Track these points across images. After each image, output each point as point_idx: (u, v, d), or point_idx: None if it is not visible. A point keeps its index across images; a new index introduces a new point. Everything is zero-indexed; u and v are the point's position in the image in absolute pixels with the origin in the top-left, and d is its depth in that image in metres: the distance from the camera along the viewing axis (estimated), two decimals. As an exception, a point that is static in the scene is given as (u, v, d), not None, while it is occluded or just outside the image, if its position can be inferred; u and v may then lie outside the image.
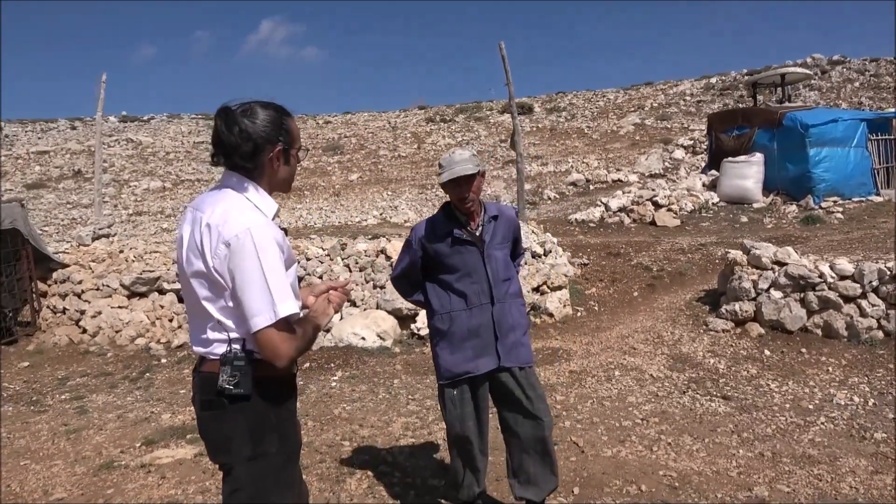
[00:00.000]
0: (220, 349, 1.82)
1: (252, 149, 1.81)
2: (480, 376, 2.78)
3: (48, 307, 7.85)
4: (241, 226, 1.73)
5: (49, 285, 8.02)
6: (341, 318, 6.93)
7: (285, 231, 2.03)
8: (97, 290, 7.78)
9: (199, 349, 1.88)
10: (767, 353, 5.72)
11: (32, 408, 5.45)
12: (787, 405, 4.61)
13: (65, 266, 8.10)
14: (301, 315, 1.87)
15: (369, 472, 3.77)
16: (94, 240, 9.09)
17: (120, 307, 7.60)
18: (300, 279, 7.37)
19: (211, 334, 1.83)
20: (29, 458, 4.32)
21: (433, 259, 2.81)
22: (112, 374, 6.29)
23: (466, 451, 2.83)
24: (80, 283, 7.84)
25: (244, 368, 1.78)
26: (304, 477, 2.26)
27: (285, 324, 1.74)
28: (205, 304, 1.81)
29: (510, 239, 2.92)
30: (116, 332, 7.35)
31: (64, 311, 7.72)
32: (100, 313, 7.53)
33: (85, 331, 7.46)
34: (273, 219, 1.86)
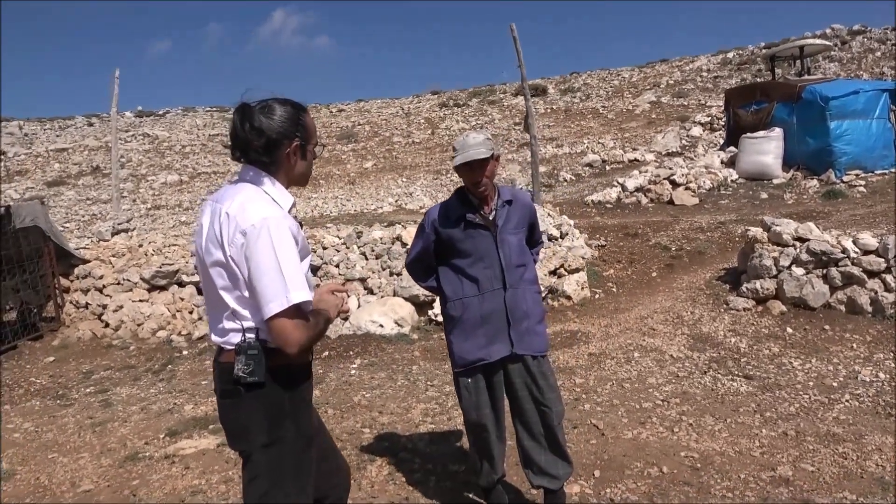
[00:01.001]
0: (236, 339, 1.87)
1: (267, 144, 1.88)
2: (495, 363, 2.75)
3: (71, 302, 7.97)
4: (258, 216, 1.79)
5: (71, 281, 8.13)
6: (359, 306, 6.95)
7: (300, 223, 2.06)
8: (118, 284, 7.87)
9: (217, 339, 1.94)
10: (790, 330, 5.64)
11: (59, 402, 5.55)
12: (811, 383, 4.55)
13: (86, 262, 8.20)
14: (312, 308, 1.93)
15: (390, 459, 3.78)
16: (113, 235, 9.19)
17: (141, 301, 7.69)
18: (317, 268, 7.42)
19: (227, 324, 1.89)
20: (56, 451, 4.40)
21: (446, 244, 2.79)
22: (135, 367, 6.38)
23: (483, 438, 2.82)
24: (101, 278, 7.94)
25: (258, 357, 1.83)
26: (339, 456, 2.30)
27: (298, 311, 1.79)
28: (222, 293, 1.87)
29: (525, 224, 2.87)
30: (138, 325, 7.44)
31: (86, 306, 7.83)
32: (121, 307, 7.63)
33: (107, 325, 7.56)
34: (289, 211, 1.92)
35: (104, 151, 26.59)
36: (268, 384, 1.86)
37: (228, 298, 1.86)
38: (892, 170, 11.75)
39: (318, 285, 2.15)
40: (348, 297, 2.25)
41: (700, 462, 3.49)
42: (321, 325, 1.90)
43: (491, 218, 2.77)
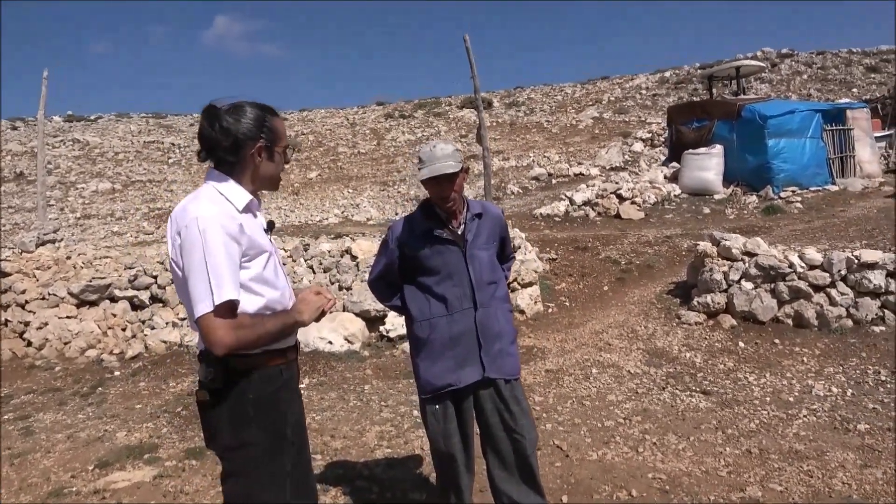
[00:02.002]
0: (201, 345, 1.89)
1: (233, 144, 1.90)
2: (464, 389, 2.55)
3: (-11, 319, 7.35)
4: (192, 215, 1.80)
5: (-10, 296, 7.51)
6: (306, 322, 6.65)
7: (272, 224, 2.13)
8: (43, 299, 7.32)
9: (197, 343, 1.98)
10: (742, 344, 5.68)
11: (-28, 430, 5.04)
12: (768, 398, 4.55)
13: (6, 275, 7.59)
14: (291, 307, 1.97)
15: (345, 489, 3.54)
16: (38, 246, 8.56)
17: (68, 317, 7.16)
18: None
19: (194, 329, 1.88)
20: (-33, 488, 3.95)
21: (411, 260, 2.58)
22: (61, 390, 5.89)
23: (451, 469, 2.61)
24: (23, 292, 7.36)
25: (216, 364, 1.83)
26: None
27: (227, 311, 1.77)
28: (179, 296, 1.90)
29: (496, 239, 2.70)
30: (65, 343, 6.92)
31: (6, 323, 7.23)
32: (46, 324, 7.08)
33: (30, 343, 7.00)
34: (243, 210, 1.90)
35: (29, 157, 25.22)
36: (229, 389, 1.87)
37: (183, 299, 1.86)
38: (826, 186, 12.24)
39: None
40: (334, 300, 2.10)
41: (668, 484, 3.39)
42: (270, 328, 1.86)
43: (460, 232, 2.58)
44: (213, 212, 1.81)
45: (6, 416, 5.30)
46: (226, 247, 1.78)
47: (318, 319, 2.03)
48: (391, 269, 2.63)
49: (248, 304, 1.85)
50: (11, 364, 6.77)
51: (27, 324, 7.16)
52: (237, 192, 1.92)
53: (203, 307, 1.74)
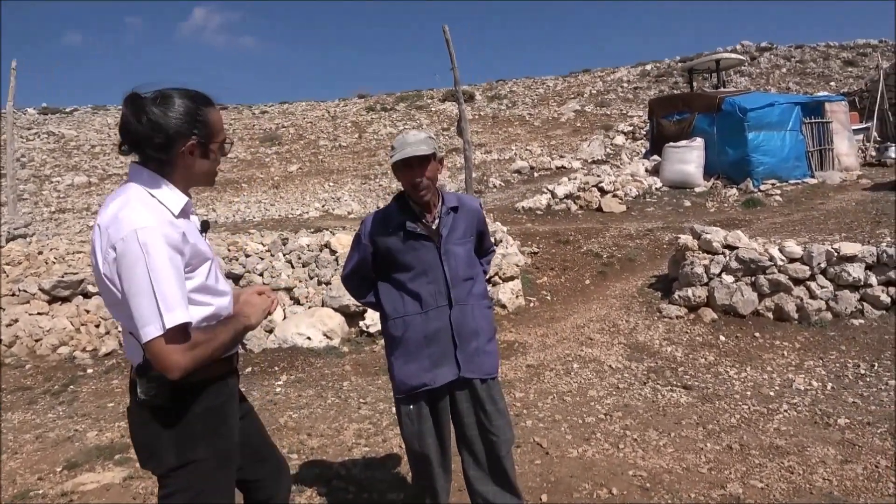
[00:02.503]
0: (137, 359, 1.73)
1: (164, 141, 1.69)
2: (440, 388, 2.48)
3: (-43, 316, 7.15)
4: (128, 227, 1.60)
5: (-42, 292, 7.31)
6: (284, 318, 6.54)
7: (207, 224, 1.91)
8: (13, 295, 7.12)
9: (127, 355, 1.84)
10: (723, 338, 5.67)
11: (-63, 431, 4.88)
12: (749, 392, 4.53)
13: (-25, 270, 7.39)
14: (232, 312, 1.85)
15: (321, 489, 3.46)
16: (8, 241, 8.37)
17: (40, 314, 6.98)
18: (239, 277, 6.95)
19: (129, 341, 1.76)
20: (-71, 492, 3.81)
21: (385, 256, 2.49)
22: (31, 389, 5.73)
23: (427, 470, 2.53)
24: (-8, 288, 7.16)
25: (159, 378, 1.67)
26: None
27: (179, 333, 1.61)
28: (111, 311, 1.76)
29: (473, 233, 2.60)
30: (36, 340, 6.74)
31: (-25, 320, 7.03)
32: (16, 321, 6.89)
33: (0, 341, 6.81)
34: (180, 215, 1.74)
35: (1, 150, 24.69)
36: (175, 405, 1.73)
37: (119, 317, 1.72)
38: (805, 179, 12.31)
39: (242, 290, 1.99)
40: (277, 300, 2.01)
41: (649, 482, 3.35)
42: (223, 338, 1.73)
43: (434, 227, 2.48)
44: (153, 221, 1.62)
45: (-27, 417, 5.15)
46: (171, 261, 1.61)
47: (263, 319, 1.94)
48: (364, 264, 2.54)
49: (196, 316, 1.69)
50: (-20, 362, 6.59)
51: (-4, 321, 6.97)
52: (171, 195, 1.73)
53: (151, 331, 1.57)
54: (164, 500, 1.80)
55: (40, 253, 7.81)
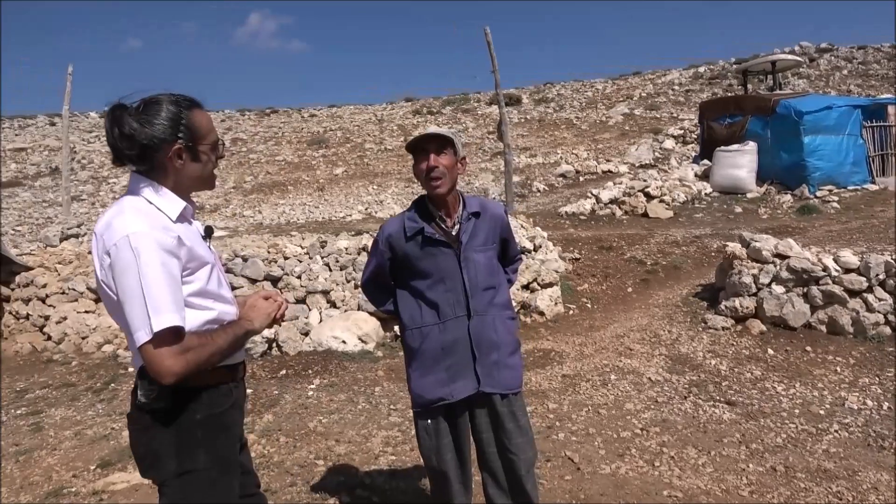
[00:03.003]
0: (139, 362, 1.70)
1: (141, 151, 1.69)
2: (458, 403, 2.38)
3: (11, 313, 7.41)
4: (121, 233, 1.61)
5: (12, 290, 7.58)
6: (321, 321, 6.55)
7: (210, 229, 1.91)
8: (63, 293, 7.35)
9: (133, 360, 1.81)
10: (771, 352, 5.40)
11: (-16, 425, 5.04)
12: (797, 411, 4.29)
13: (28, 269, 7.66)
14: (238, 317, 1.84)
15: (344, 497, 3.41)
16: (62, 240, 8.65)
17: (87, 312, 7.18)
18: (277, 279, 6.99)
19: (132, 345, 1.69)
20: (-30, 486, 3.92)
21: (402, 262, 2.41)
22: (75, 385, 5.88)
23: (445, 487, 2.44)
24: (44, 286, 7.40)
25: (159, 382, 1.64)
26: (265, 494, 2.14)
27: (169, 337, 1.60)
28: (113, 317, 1.75)
29: (496, 240, 2.49)
30: (83, 338, 6.93)
31: (27, 316, 7.29)
32: (65, 319, 7.11)
33: (49, 338, 7.03)
34: (178, 220, 1.73)
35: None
36: (177, 410, 1.71)
37: (119, 322, 1.70)
38: (865, 185, 11.75)
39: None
40: (285, 305, 1.98)
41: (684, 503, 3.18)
42: (220, 342, 1.70)
43: (454, 233, 2.39)
44: (144, 226, 1.62)
45: (19, 411, 5.30)
46: (164, 265, 1.61)
47: (269, 326, 1.90)
48: (381, 271, 2.47)
49: (195, 321, 1.69)
50: (30, 358, 6.82)
51: (47, 318, 7.20)
52: (168, 201, 1.73)
53: (142, 335, 1.57)
54: None
55: (90, 252, 8.03)
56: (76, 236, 8.83)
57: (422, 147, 2.31)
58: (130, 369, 6.22)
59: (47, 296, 7.36)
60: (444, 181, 2.32)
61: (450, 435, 2.39)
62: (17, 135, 30.66)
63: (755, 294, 6.09)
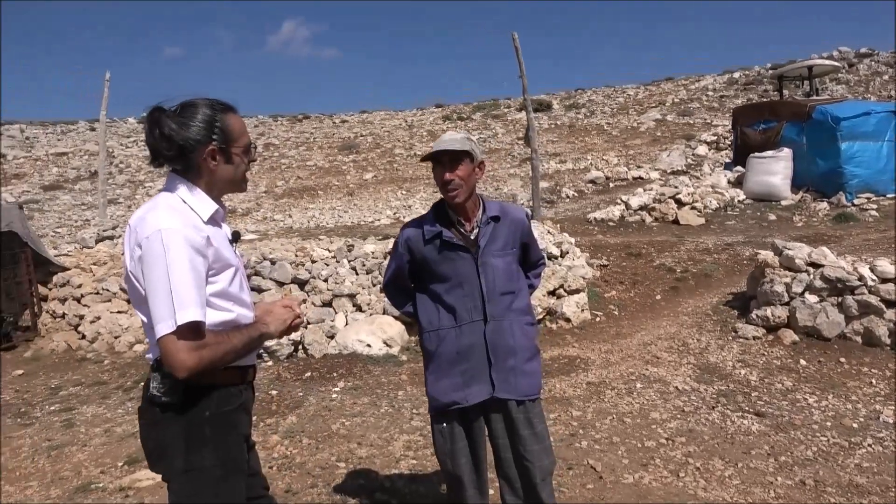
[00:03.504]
0: (156, 354, 1.75)
1: (179, 151, 1.77)
2: (473, 407, 2.36)
3: (48, 312, 7.62)
4: (153, 227, 1.67)
5: (49, 289, 7.80)
6: (346, 324, 6.59)
7: (238, 234, 1.97)
8: (97, 294, 7.53)
9: (148, 355, 1.85)
10: (803, 363, 5.27)
11: (19, 420, 5.19)
12: (829, 423, 4.17)
13: (65, 269, 7.87)
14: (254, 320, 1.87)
15: (364, 500, 3.41)
16: (97, 242, 8.87)
17: (119, 312, 7.35)
18: (304, 282, 7.06)
19: (151, 338, 1.76)
20: (4, 479, 4.03)
21: (421, 265, 2.41)
22: (106, 383, 6.01)
23: (459, 491, 2.43)
24: (79, 287, 7.60)
25: (172, 376, 1.68)
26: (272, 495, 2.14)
27: (190, 331, 1.64)
28: (137, 310, 1.80)
29: (516, 245, 2.47)
30: (115, 337, 7.09)
31: (63, 315, 7.48)
32: (99, 318, 7.28)
33: (83, 336, 7.22)
34: (208, 221, 1.80)
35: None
36: (187, 405, 1.74)
37: (141, 314, 1.76)
38: (905, 194, 11.41)
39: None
40: (303, 316, 2.02)
41: (709, 515, 3.12)
42: (236, 344, 1.74)
43: (472, 237, 2.38)
44: (177, 223, 1.68)
45: (53, 408, 5.44)
46: (191, 262, 1.66)
47: (286, 333, 1.92)
48: (401, 273, 2.48)
49: (213, 321, 1.73)
50: (65, 356, 7.00)
51: (81, 317, 7.38)
52: (201, 202, 1.80)
53: (164, 327, 1.61)
54: None
55: (123, 254, 8.22)
56: (111, 238, 9.05)
57: (437, 157, 2.31)
58: (160, 369, 6.33)
59: (82, 296, 7.55)
60: (461, 191, 2.34)
61: (465, 439, 2.38)
62: (59, 140, 31.59)
63: (787, 303, 5.95)
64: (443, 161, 2.30)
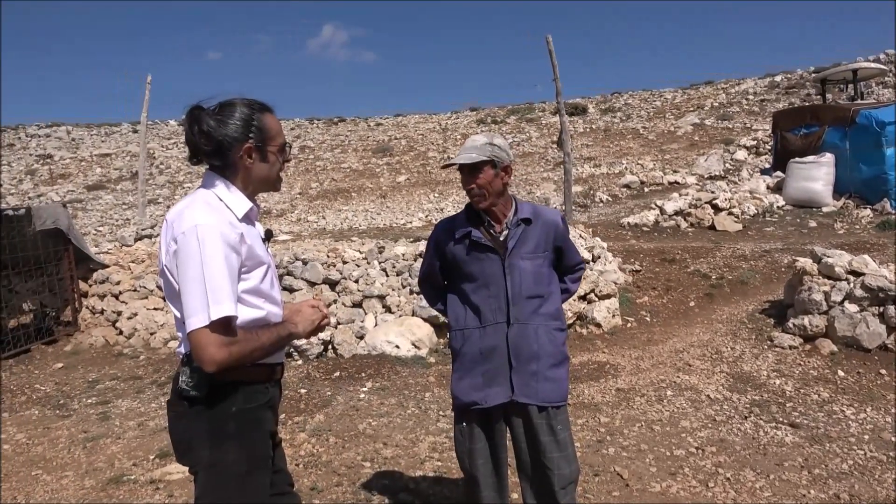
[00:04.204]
0: (186, 348, 1.79)
1: (217, 148, 1.81)
2: (495, 409, 2.35)
3: (87, 308, 7.84)
4: (190, 223, 1.71)
5: (90, 285, 8.02)
6: (376, 325, 6.63)
7: (270, 233, 2.00)
8: (134, 291, 7.72)
9: (179, 348, 1.90)
10: (841, 373, 5.12)
11: (58, 412, 5.34)
12: (866, 436, 4.04)
13: (105, 266, 8.08)
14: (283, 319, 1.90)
15: (388, 501, 3.43)
16: (136, 240, 9.09)
17: (155, 309, 7.52)
18: (335, 283, 7.13)
19: (182, 332, 1.80)
20: (42, 468, 4.16)
21: (451, 264, 2.43)
22: (141, 378, 6.15)
23: (475, 491, 2.41)
24: (118, 283, 7.80)
25: (201, 370, 1.72)
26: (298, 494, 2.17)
27: (221, 326, 1.67)
28: (170, 303, 1.85)
29: (548, 248, 2.44)
30: (151, 334, 7.26)
31: (102, 311, 7.69)
32: (136, 315, 7.46)
33: (121, 332, 7.40)
34: (242, 219, 1.83)
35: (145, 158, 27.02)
36: (213, 400, 1.77)
37: (174, 308, 1.80)
38: (952, 201, 11.00)
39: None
40: (329, 318, 2.16)
41: (738, 527, 3.05)
42: (264, 341, 1.77)
43: (501, 239, 2.38)
44: (213, 220, 1.72)
45: (90, 401, 5.59)
46: (226, 258, 1.70)
47: (313, 334, 1.94)
48: (433, 271, 2.51)
49: (243, 317, 1.76)
50: (103, 351, 7.18)
51: (119, 313, 7.57)
52: (237, 200, 1.84)
53: (197, 321, 1.65)
54: (197, 502, 1.84)
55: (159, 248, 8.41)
56: (150, 237, 9.27)
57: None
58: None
59: (120, 292, 7.75)
60: (482, 198, 2.36)
61: (484, 440, 2.37)
62: (102, 141, 32.49)
63: (826, 312, 5.79)
64: (462, 170, 2.31)
